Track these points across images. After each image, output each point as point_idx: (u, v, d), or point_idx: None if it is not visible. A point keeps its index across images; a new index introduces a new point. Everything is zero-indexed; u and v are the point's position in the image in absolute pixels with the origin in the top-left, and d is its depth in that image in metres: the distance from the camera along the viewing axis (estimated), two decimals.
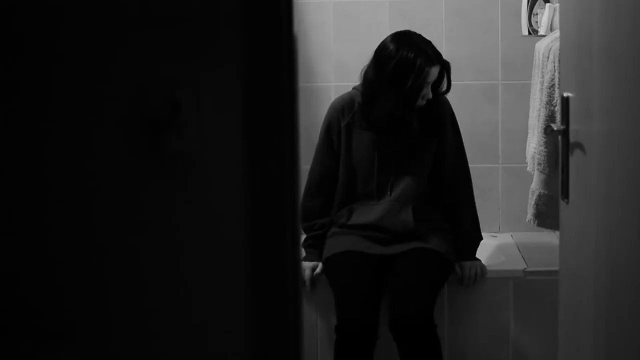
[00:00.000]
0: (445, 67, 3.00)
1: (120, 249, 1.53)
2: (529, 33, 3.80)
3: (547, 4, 3.75)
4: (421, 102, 2.97)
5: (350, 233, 3.07)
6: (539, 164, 3.08)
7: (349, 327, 2.87)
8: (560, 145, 2.22)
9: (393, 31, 3.06)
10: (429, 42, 2.98)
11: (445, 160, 3.11)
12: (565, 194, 2.17)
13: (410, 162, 3.07)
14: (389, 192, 3.05)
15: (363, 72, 3.06)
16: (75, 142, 1.50)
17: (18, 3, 1.48)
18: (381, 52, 2.97)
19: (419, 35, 3.00)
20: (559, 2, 3.13)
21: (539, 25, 3.78)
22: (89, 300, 1.54)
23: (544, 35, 3.65)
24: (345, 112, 3.08)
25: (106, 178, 1.51)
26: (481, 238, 3.19)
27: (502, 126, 3.84)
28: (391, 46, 2.95)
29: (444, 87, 3.04)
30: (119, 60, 1.49)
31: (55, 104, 1.50)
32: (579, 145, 2.07)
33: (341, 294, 2.95)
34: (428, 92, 2.96)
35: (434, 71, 2.95)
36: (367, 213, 3.06)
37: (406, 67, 2.91)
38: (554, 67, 2.95)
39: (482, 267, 3.17)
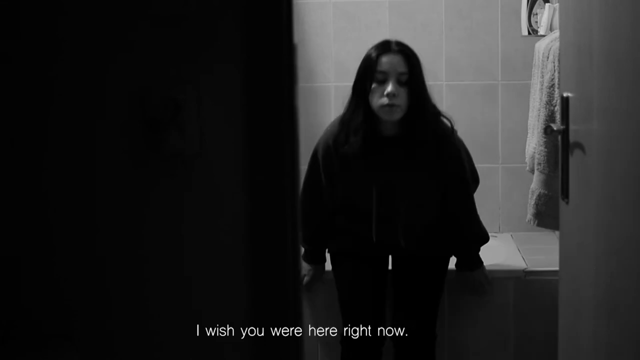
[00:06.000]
0: (407, 56, 2.71)
1: (121, 247, 1.53)
2: (529, 33, 3.80)
3: (547, 4, 3.74)
4: (382, 100, 2.67)
5: (348, 231, 2.95)
6: (539, 164, 3.08)
7: (356, 331, 2.86)
8: (560, 145, 2.22)
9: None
10: (402, 43, 2.76)
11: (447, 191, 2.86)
12: (565, 194, 2.17)
13: (414, 203, 2.83)
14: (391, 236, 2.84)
15: None
16: (76, 141, 1.51)
17: (19, 3, 1.48)
18: None
19: (397, 41, 2.78)
20: (558, 2, 3.13)
21: (538, 25, 3.78)
22: (91, 297, 1.54)
23: (543, 35, 3.64)
24: (331, 141, 2.81)
25: (107, 177, 1.51)
26: (484, 242, 2.97)
27: (502, 126, 3.84)
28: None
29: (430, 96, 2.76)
30: (119, 60, 1.49)
31: (56, 104, 1.50)
32: (579, 145, 2.07)
33: (348, 305, 2.92)
34: (387, 87, 2.66)
35: (391, 59, 2.69)
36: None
37: (362, 62, 2.75)
38: (554, 67, 2.94)
39: (485, 276, 3.04)
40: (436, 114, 2.79)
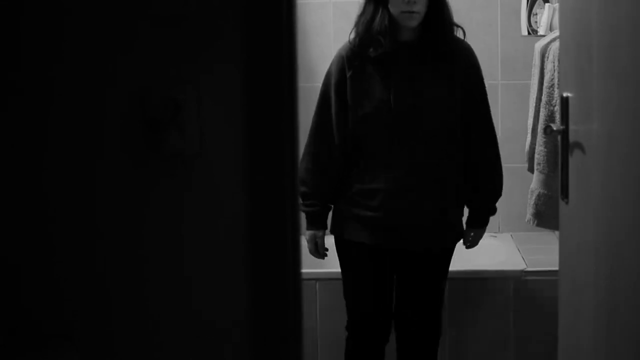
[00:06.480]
0: None
1: (121, 247, 1.53)
2: (529, 33, 3.80)
3: (547, 4, 3.75)
4: (402, 6, 2.66)
5: (356, 218, 2.83)
6: (539, 164, 3.08)
7: (363, 326, 2.86)
8: (560, 145, 2.22)
9: None
10: None
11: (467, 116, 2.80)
12: (565, 194, 2.17)
13: (429, 124, 2.74)
14: (404, 158, 2.73)
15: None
16: (76, 141, 1.51)
17: (20, 2, 1.48)
18: None
19: None
20: (558, 2, 3.13)
21: (538, 25, 3.78)
22: (91, 297, 1.54)
23: (543, 35, 3.65)
24: (346, 60, 2.82)
25: (107, 177, 1.51)
26: (500, 194, 2.92)
27: (502, 126, 3.83)
28: None
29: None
30: (119, 59, 1.49)
31: (56, 104, 1.50)
32: (578, 145, 2.07)
33: (354, 295, 2.90)
34: None
35: None
36: (376, 185, 2.75)
37: None
38: (554, 67, 2.94)
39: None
40: (451, 23, 2.79)
